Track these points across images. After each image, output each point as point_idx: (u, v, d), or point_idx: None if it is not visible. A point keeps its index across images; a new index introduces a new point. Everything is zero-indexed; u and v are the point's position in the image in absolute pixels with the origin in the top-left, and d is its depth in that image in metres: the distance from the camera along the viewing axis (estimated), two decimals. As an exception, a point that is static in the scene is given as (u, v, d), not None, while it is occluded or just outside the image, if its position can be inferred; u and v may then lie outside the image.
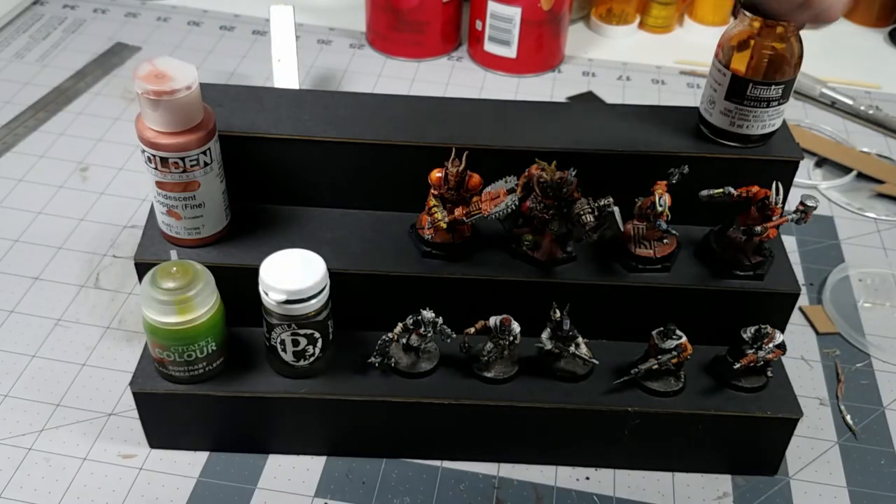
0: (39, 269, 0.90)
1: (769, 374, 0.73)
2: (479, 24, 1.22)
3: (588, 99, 1.21)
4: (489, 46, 1.22)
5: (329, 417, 0.73)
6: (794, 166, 0.77)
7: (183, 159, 0.68)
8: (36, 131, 1.08)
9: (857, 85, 1.27)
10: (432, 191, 0.72)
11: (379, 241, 0.76)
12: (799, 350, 0.86)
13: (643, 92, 1.23)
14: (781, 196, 0.71)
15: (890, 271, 0.97)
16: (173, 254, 0.72)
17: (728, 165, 0.76)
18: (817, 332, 0.89)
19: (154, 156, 0.68)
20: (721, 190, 0.72)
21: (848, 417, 0.80)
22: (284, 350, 0.70)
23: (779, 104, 0.74)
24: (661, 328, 0.71)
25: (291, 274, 0.67)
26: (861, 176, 1.10)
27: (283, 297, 0.66)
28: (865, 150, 1.14)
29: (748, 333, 0.71)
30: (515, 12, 1.17)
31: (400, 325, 0.71)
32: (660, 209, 0.72)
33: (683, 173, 0.72)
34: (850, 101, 1.20)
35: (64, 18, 1.30)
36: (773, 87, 0.73)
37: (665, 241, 0.75)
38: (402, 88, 1.20)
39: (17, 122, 1.09)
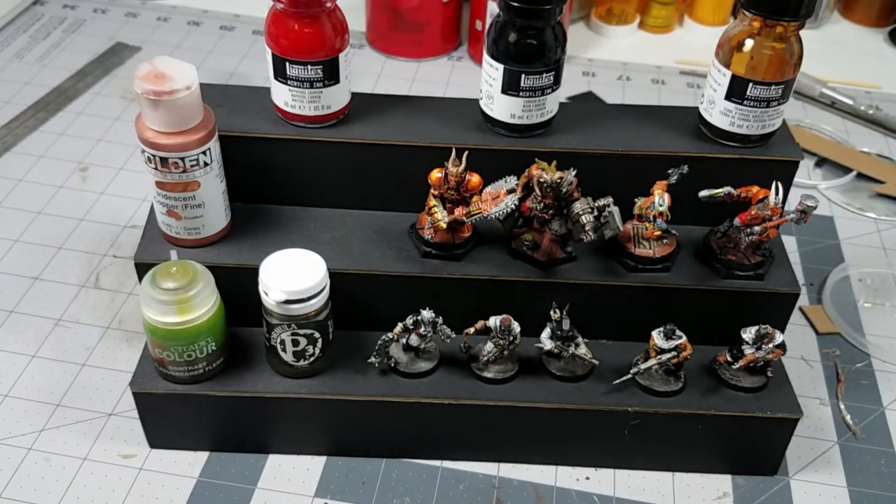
0: (39, 269, 0.90)
1: (769, 374, 0.73)
2: (479, 25, 1.22)
3: (588, 99, 1.21)
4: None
5: (329, 417, 0.73)
6: (794, 166, 0.77)
7: (183, 159, 0.68)
8: (36, 131, 1.08)
9: (857, 85, 1.27)
10: (432, 191, 0.72)
11: (379, 241, 0.76)
12: (799, 350, 0.87)
13: (643, 92, 1.23)
14: (781, 196, 0.72)
15: (890, 271, 0.97)
16: (173, 254, 0.73)
17: (728, 165, 0.76)
18: (817, 332, 0.89)
19: (154, 156, 0.68)
20: (721, 190, 0.72)
21: (848, 417, 0.80)
22: (284, 350, 0.70)
23: (779, 104, 0.74)
24: (661, 328, 0.71)
25: (291, 274, 0.67)
26: (861, 176, 1.10)
27: (283, 297, 0.66)
28: (865, 150, 1.14)
29: (748, 333, 0.71)
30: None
31: (400, 325, 0.71)
32: (659, 209, 0.72)
33: (683, 173, 0.72)
34: (850, 101, 1.20)
35: (64, 18, 1.30)
36: (773, 87, 0.73)
37: (665, 241, 0.75)
38: (402, 88, 1.20)
39: (17, 122, 1.09)
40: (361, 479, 0.74)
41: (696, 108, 0.79)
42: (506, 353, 0.72)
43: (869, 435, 0.79)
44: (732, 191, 0.72)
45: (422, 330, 0.71)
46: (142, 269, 0.72)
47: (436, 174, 0.71)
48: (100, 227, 0.95)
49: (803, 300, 0.92)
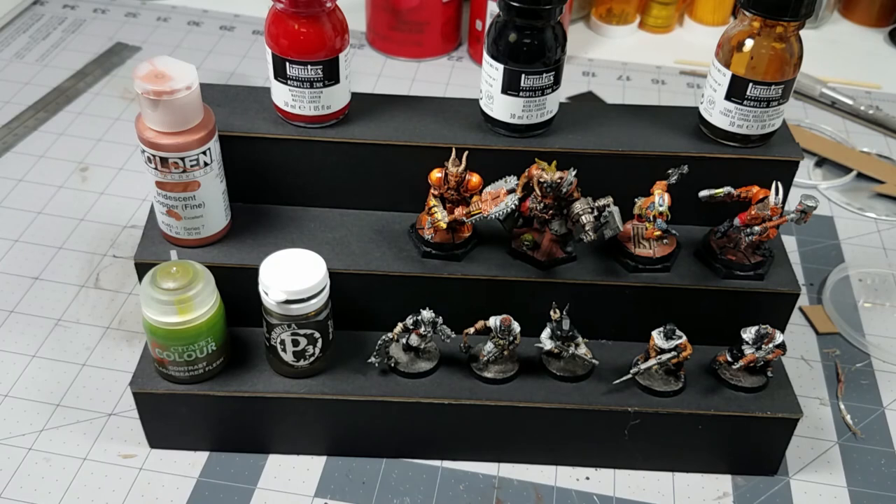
0: (39, 269, 0.90)
1: (769, 374, 0.73)
2: (479, 24, 1.22)
3: (588, 99, 1.21)
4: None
5: (329, 417, 0.73)
6: (794, 166, 0.77)
7: (183, 159, 0.68)
8: (36, 131, 1.08)
9: (857, 85, 1.27)
10: (432, 191, 0.72)
11: (379, 241, 0.76)
12: (799, 350, 0.87)
13: (643, 92, 1.23)
14: (781, 196, 0.72)
15: (890, 271, 0.97)
16: (173, 254, 0.73)
17: (728, 165, 0.76)
18: (817, 332, 0.89)
19: (154, 156, 0.68)
20: (721, 190, 0.72)
21: (848, 417, 0.80)
22: (284, 350, 0.70)
23: (779, 104, 0.74)
24: (661, 328, 0.71)
25: (291, 274, 0.67)
26: (861, 176, 1.10)
27: (283, 297, 0.66)
28: (865, 150, 1.14)
29: (748, 333, 0.71)
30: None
31: (400, 325, 0.71)
32: (659, 209, 0.72)
33: (683, 173, 0.72)
34: (850, 101, 1.20)
35: (64, 18, 1.30)
36: (773, 87, 0.73)
37: (665, 241, 0.75)
38: (402, 88, 1.20)
39: (17, 122, 1.09)
40: (361, 479, 0.74)
41: (696, 108, 0.79)
42: (506, 353, 0.72)
43: (869, 435, 0.79)
44: (732, 191, 0.72)
45: (422, 330, 0.71)
46: (142, 269, 0.72)
47: (436, 174, 0.71)
48: (100, 227, 0.95)
49: (803, 300, 0.92)
